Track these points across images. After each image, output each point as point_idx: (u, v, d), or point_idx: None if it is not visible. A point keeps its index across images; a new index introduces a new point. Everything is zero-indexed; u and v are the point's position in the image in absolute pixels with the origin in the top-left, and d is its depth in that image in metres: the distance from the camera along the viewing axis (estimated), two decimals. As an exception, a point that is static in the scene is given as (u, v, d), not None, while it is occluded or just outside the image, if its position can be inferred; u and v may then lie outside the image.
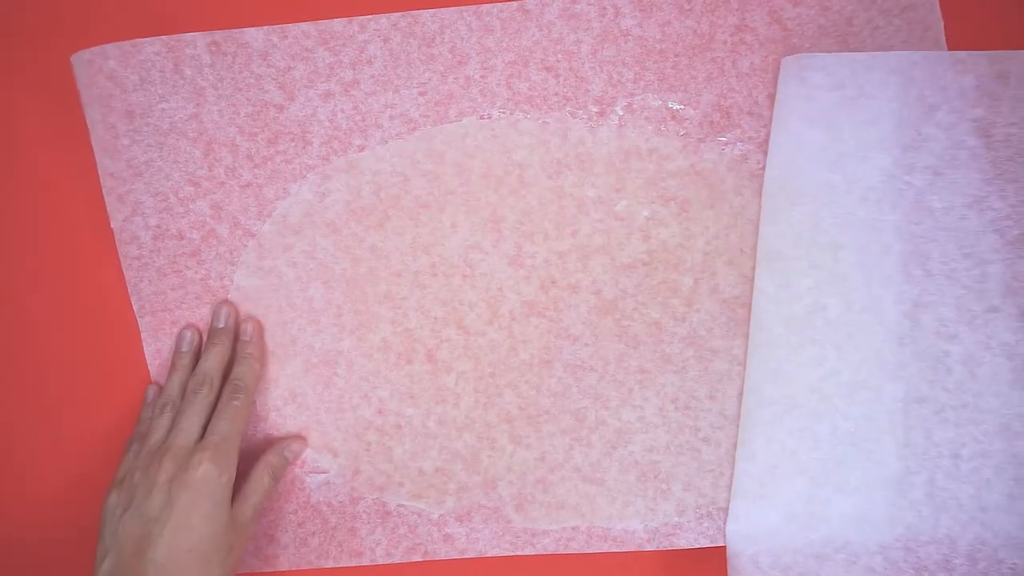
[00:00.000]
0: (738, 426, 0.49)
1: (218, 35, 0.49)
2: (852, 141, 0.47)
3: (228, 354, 0.49)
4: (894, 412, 0.47)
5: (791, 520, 0.47)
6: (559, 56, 0.49)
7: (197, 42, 0.49)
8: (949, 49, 0.48)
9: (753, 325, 0.48)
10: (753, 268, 0.49)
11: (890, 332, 0.47)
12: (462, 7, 0.49)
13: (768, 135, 0.49)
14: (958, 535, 0.47)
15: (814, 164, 0.47)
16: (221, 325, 0.50)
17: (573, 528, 0.49)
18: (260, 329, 0.50)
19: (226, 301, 0.50)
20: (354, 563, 0.50)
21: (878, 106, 0.47)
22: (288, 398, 0.50)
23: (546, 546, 0.49)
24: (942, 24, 0.48)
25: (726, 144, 0.49)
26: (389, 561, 0.50)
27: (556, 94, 0.49)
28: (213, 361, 0.49)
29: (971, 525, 0.47)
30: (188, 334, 0.50)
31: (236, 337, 0.50)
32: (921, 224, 0.47)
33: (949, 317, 0.47)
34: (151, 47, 0.49)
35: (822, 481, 0.47)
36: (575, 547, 0.49)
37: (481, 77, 0.49)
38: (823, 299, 0.48)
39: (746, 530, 0.48)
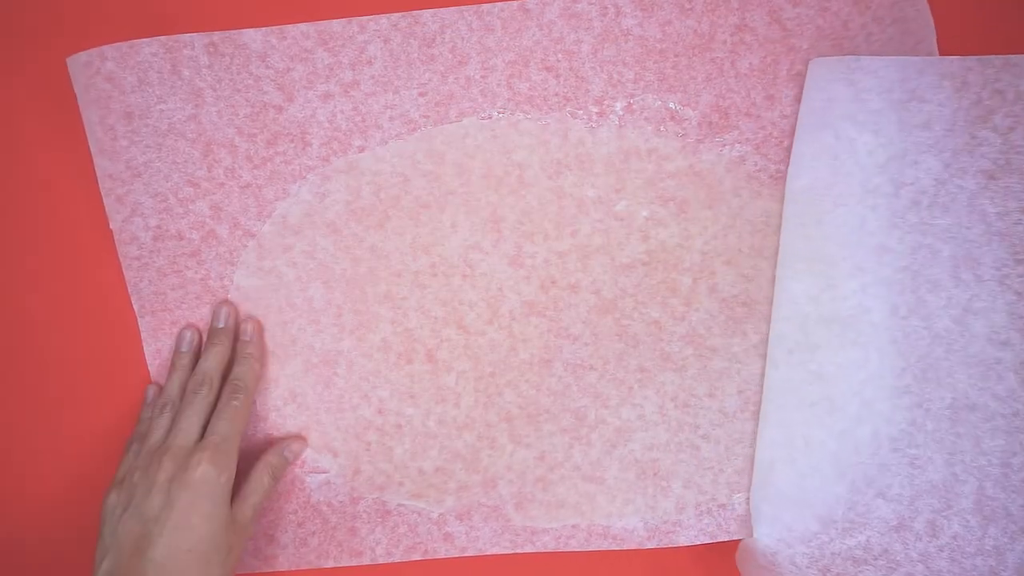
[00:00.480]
0: (759, 426, 0.48)
1: (216, 36, 0.49)
2: (902, 144, 0.47)
3: (228, 354, 0.49)
4: (941, 419, 0.47)
5: (829, 526, 0.47)
6: (559, 56, 0.49)
7: (195, 43, 0.49)
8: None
9: (788, 325, 0.48)
10: (752, 267, 0.49)
11: (937, 337, 0.47)
12: (463, 7, 0.49)
13: (765, 136, 0.49)
14: (1006, 547, 0.45)
15: (861, 167, 0.47)
16: (221, 325, 0.50)
17: (573, 526, 0.50)
18: (260, 329, 0.50)
19: (226, 301, 0.50)
20: (354, 563, 0.50)
21: (930, 110, 0.46)
22: (288, 398, 0.51)
23: (545, 544, 0.50)
24: (935, 36, 0.48)
25: (724, 145, 0.49)
26: (389, 560, 0.50)
27: (556, 94, 0.49)
28: (213, 361, 0.49)
29: (1021, 537, 0.45)
30: (188, 334, 0.50)
31: (236, 337, 0.50)
32: (973, 228, 0.46)
33: (1001, 323, 0.46)
34: (149, 48, 0.48)
35: (863, 487, 0.47)
36: (574, 545, 0.49)
37: (482, 77, 0.49)
38: (867, 302, 0.47)
39: (780, 533, 0.47)
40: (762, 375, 0.49)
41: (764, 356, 0.49)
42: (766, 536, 0.47)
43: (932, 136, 0.46)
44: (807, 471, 0.47)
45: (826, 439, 0.47)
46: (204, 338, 0.51)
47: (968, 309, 0.46)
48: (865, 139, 0.47)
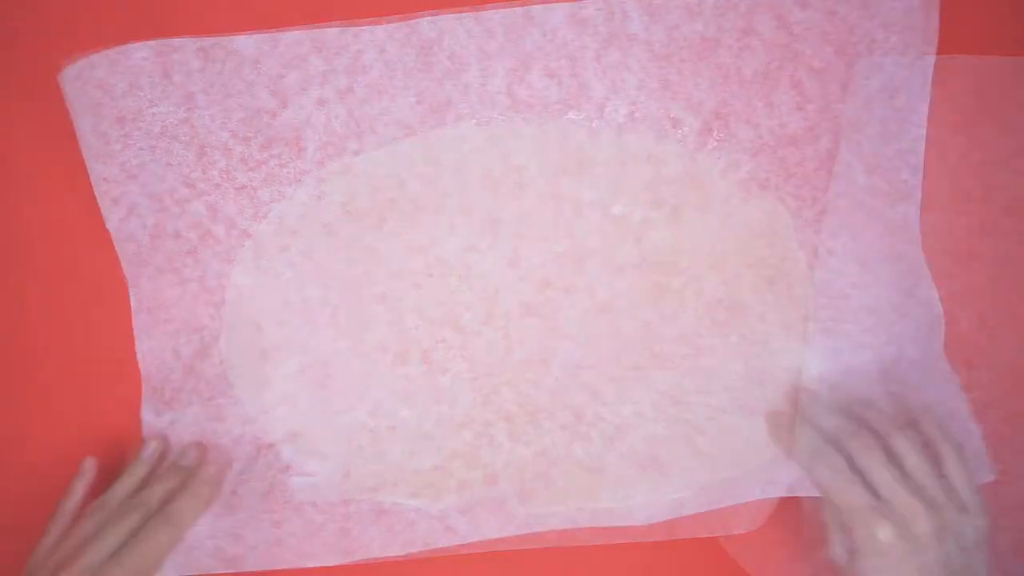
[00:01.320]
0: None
1: (207, 41, 0.47)
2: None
3: (177, 491, 0.46)
4: None
5: None
6: (561, 61, 0.48)
7: (186, 47, 0.47)
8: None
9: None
10: (736, 273, 0.49)
11: None
12: (461, 14, 0.47)
13: (761, 145, 0.48)
14: None
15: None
16: (185, 463, 0.48)
17: (574, 521, 0.50)
18: (222, 473, 0.48)
19: (198, 444, 0.49)
20: (346, 560, 0.49)
21: None
22: (282, 399, 0.50)
23: (547, 538, 0.50)
24: (935, 42, 0.47)
25: (720, 152, 0.49)
26: (385, 555, 0.49)
27: (557, 99, 0.48)
28: (159, 493, 0.46)
29: None
30: (153, 444, 0.48)
31: (196, 474, 0.47)
32: None
33: None
34: (139, 52, 0.47)
35: None
36: (578, 537, 0.50)
37: (480, 83, 0.48)
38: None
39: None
40: (746, 374, 0.49)
41: (751, 356, 0.49)
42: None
43: None
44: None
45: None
46: (166, 450, 0.49)
47: None
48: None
